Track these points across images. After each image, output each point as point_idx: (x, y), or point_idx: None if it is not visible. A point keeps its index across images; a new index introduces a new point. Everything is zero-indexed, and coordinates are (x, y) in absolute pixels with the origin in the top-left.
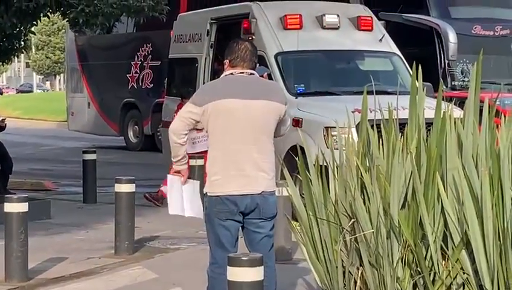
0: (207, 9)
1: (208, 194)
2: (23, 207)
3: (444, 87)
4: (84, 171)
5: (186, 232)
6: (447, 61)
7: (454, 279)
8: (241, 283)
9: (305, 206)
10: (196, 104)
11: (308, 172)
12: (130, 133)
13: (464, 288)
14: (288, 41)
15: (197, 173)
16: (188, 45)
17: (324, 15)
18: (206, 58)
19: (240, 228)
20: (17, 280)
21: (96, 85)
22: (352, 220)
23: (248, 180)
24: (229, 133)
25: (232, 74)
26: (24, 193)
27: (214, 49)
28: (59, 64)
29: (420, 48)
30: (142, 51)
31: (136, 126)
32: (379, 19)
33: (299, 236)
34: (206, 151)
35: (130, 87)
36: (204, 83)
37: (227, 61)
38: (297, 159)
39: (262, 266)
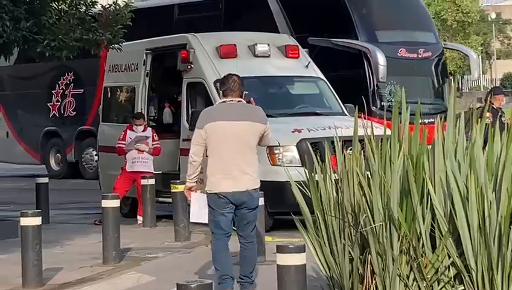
0: (142, 40)
1: (208, 192)
2: (37, 221)
3: (374, 108)
4: (38, 194)
5: (153, 243)
6: (376, 83)
7: (441, 262)
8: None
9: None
10: (199, 127)
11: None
12: (52, 161)
13: (449, 270)
14: (225, 69)
15: (149, 192)
16: (125, 74)
17: (256, 44)
18: (142, 87)
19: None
20: (34, 285)
21: (15, 114)
22: (365, 215)
23: (235, 181)
24: (221, 146)
25: (224, 101)
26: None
27: (149, 78)
28: None
29: (348, 71)
30: (64, 80)
31: (58, 154)
32: (308, 44)
33: (305, 234)
34: (144, 172)
35: (51, 115)
36: (141, 109)
37: (221, 92)
38: None
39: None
